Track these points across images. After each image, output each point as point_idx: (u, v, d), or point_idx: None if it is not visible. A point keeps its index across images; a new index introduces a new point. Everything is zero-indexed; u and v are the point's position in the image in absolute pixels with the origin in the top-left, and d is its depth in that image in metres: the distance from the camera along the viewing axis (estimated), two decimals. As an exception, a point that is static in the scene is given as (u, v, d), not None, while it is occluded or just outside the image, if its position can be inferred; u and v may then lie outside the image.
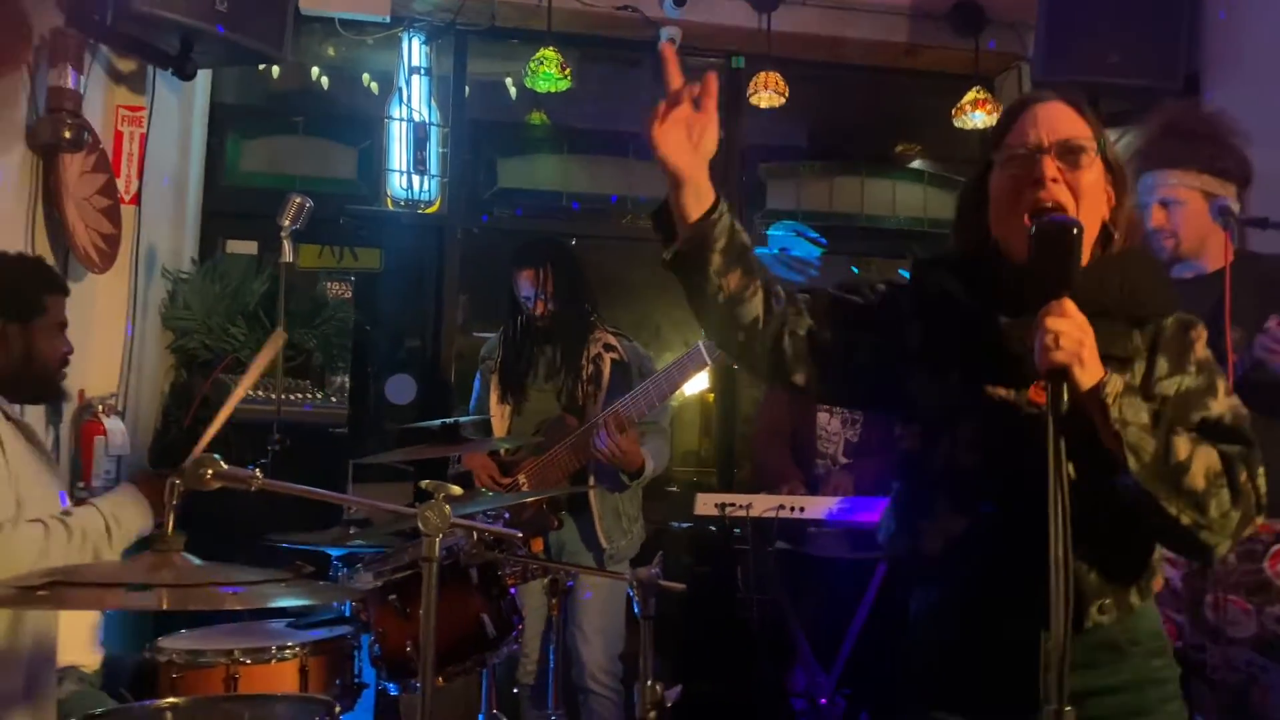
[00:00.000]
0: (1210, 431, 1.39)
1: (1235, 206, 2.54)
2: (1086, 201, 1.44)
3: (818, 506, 3.18)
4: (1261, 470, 1.38)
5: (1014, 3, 4.24)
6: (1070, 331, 1.30)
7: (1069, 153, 1.44)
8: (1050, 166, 1.43)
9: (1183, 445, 1.34)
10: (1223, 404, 1.43)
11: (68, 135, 2.89)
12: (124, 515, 2.13)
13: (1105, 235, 1.50)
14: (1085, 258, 1.42)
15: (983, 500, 1.44)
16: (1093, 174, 1.46)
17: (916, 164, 5.01)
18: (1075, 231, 1.33)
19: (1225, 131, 2.59)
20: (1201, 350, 1.46)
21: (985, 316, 1.47)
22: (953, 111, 4.38)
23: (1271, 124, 2.71)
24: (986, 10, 4.31)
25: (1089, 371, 1.31)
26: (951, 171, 4.95)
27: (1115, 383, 1.34)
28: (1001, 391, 1.45)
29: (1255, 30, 3.53)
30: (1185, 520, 1.33)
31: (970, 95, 4.32)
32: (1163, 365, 1.44)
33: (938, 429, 1.49)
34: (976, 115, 4.33)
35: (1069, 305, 1.31)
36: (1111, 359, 1.38)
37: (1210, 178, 2.56)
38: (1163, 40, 3.65)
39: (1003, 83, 4.62)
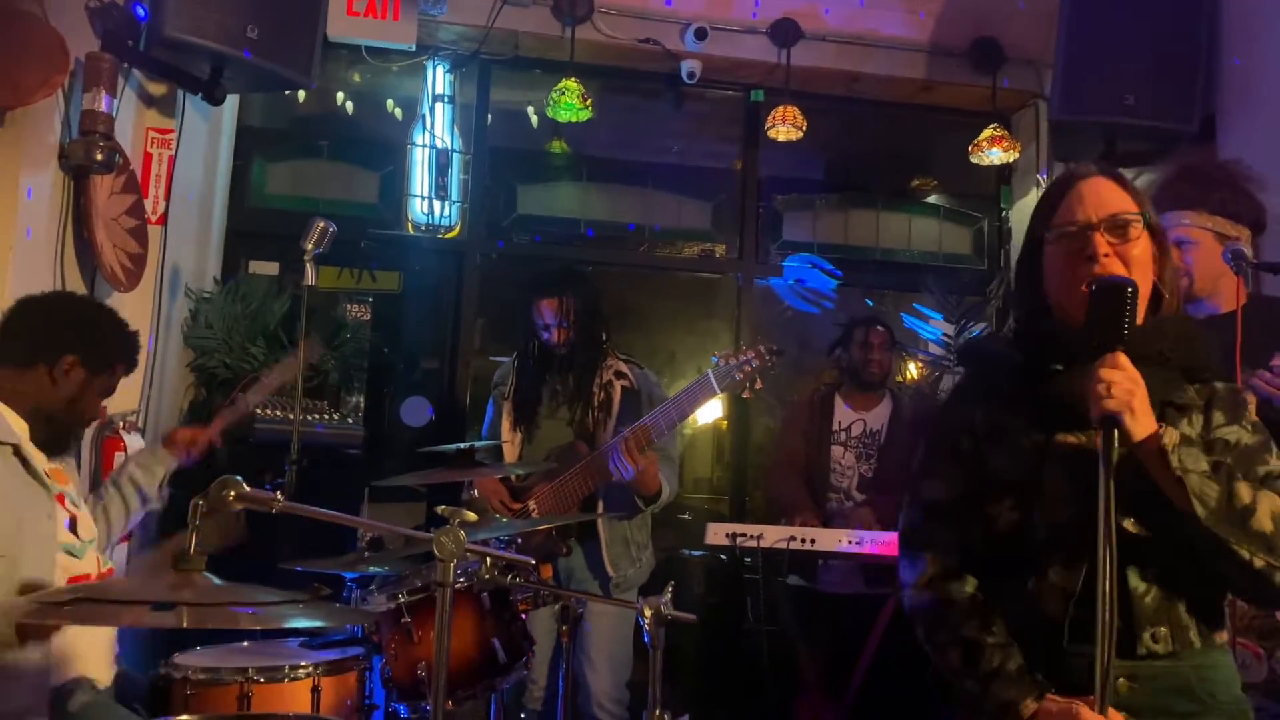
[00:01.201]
0: (1270, 483, 1.46)
1: (1248, 250, 2.56)
2: (1137, 270, 1.51)
3: (829, 539, 3.19)
4: None
5: (1032, 41, 4.28)
6: (1122, 382, 1.38)
7: (1118, 227, 1.52)
8: (1101, 243, 1.50)
9: (1244, 490, 1.40)
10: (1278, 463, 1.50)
11: (99, 158, 2.94)
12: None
13: (1156, 297, 1.56)
14: (1140, 318, 1.49)
15: (1082, 543, 1.44)
16: (1140, 244, 1.53)
17: (932, 198, 5.04)
18: (1130, 290, 1.41)
19: (1239, 178, 2.61)
20: (1254, 414, 1.54)
21: (1041, 373, 1.53)
22: (969, 147, 4.42)
23: (1286, 168, 2.73)
24: (1005, 48, 4.36)
25: (1140, 421, 1.39)
26: (967, 207, 4.98)
27: (1172, 434, 1.42)
28: (1072, 439, 1.50)
29: (1270, 76, 3.55)
30: (1258, 563, 1.38)
31: (987, 132, 4.36)
32: (1219, 416, 1.51)
33: (1028, 492, 1.52)
34: (993, 152, 4.37)
35: (1122, 358, 1.40)
36: (1170, 406, 1.46)
37: (1223, 219, 2.58)
38: (1179, 83, 3.68)
39: (1019, 119, 4.65)
